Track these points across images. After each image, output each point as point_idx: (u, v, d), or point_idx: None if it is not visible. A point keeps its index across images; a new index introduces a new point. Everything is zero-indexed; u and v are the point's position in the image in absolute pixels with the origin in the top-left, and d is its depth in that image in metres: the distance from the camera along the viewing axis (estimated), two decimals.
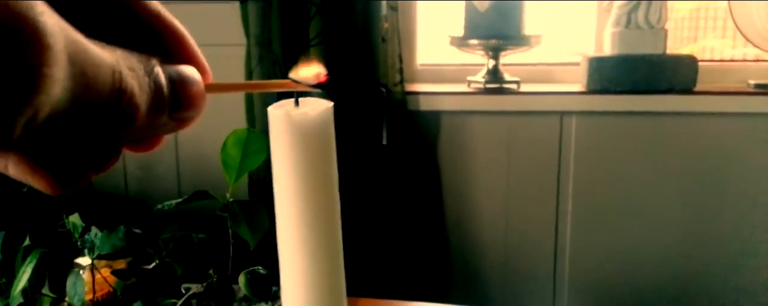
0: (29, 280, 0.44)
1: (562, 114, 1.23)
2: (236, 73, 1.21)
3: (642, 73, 1.20)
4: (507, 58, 1.29)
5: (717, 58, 1.35)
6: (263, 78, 1.16)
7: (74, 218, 0.48)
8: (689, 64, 1.20)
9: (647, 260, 1.25)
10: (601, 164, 1.24)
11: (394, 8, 1.18)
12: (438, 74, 1.38)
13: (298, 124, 0.22)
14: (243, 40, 1.17)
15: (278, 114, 0.23)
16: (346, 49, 1.13)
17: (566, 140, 1.24)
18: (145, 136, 0.24)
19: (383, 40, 1.17)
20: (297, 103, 0.24)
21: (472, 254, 1.30)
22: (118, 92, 0.20)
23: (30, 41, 0.16)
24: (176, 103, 0.22)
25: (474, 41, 1.25)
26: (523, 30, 1.25)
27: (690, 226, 1.25)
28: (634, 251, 1.25)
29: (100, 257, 0.45)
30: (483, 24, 1.25)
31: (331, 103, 0.24)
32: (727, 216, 1.23)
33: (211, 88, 0.24)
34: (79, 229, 0.48)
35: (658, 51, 1.20)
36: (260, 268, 0.46)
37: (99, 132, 0.20)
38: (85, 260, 0.63)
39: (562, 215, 1.27)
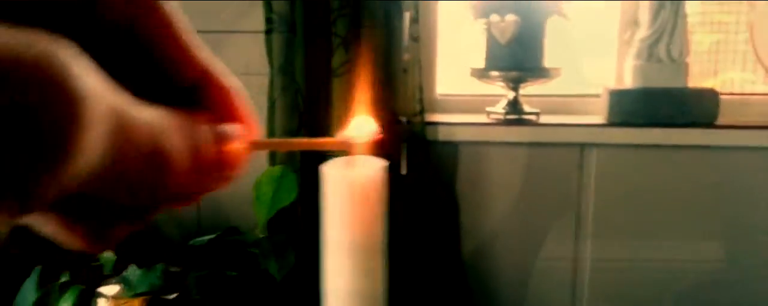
0: None
1: (582, 146, 1.23)
2: (258, 102, 1.22)
3: (663, 106, 1.20)
4: (526, 89, 1.30)
5: (738, 91, 1.35)
6: (285, 107, 1.18)
7: (107, 253, 0.49)
8: (711, 97, 1.20)
9: (668, 295, 1.23)
10: (621, 197, 1.23)
11: (415, 39, 1.20)
12: (457, 105, 1.39)
13: (355, 185, 0.23)
14: (266, 69, 1.19)
15: (335, 175, 0.23)
16: (368, 80, 1.14)
17: (586, 172, 1.24)
18: (184, 195, 0.24)
19: (405, 70, 1.19)
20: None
21: (489, 285, 1.29)
22: (157, 154, 0.20)
23: (64, 105, 0.15)
24: (218, 164, 0.22)
25: (495, 73, 1.26)
26: (544, 62, 1.26)
27: (711, 261, 1.23)
28: (654, 286, 1.23)
29: (136, 295, 0.45)
30: (504, 56, 1.26)
31: (385, 162, 0.24)
32: (748, 250, 1.21)
33: (258, 145, 0.25)
34: (111, 264, 0.48)
35: (680, 84, 1.20)
36: None
37: (136, 191, 0.20)
38: (108, 289, 0.64)
39: (581, 247, 1.26)
